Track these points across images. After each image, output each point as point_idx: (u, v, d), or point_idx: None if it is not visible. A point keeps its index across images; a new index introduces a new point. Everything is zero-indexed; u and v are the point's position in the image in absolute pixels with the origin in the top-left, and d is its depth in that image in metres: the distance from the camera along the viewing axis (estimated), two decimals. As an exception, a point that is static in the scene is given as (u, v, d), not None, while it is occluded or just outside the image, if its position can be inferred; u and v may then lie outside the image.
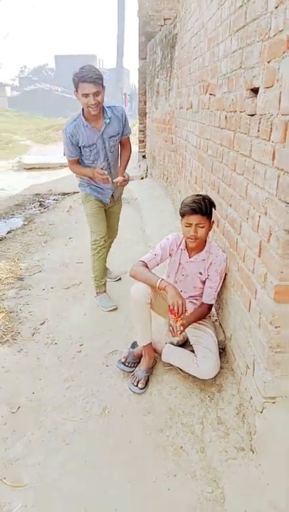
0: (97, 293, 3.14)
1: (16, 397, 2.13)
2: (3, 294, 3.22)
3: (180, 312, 1.96)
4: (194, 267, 2.21)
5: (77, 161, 2.85)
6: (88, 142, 2.70)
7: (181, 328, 2.01)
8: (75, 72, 2.49)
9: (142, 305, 2.11)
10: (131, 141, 3.03)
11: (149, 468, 1.71)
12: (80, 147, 2.73)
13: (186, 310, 2.01)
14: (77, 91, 2.50)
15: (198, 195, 2.09)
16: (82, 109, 2.61)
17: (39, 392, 2.17)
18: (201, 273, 2.22)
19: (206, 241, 2.17)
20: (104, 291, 3.15)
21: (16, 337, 2.65)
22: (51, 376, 2.29)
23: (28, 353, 2.50)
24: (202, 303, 2.27)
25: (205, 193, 2.80)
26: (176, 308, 1.95)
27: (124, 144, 2.96)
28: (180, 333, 2.03)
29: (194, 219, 2.03)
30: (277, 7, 1.40)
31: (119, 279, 3.52)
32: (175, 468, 1.71)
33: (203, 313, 2.26)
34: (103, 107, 2.67)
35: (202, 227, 2.05)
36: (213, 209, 2.10)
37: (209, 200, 2.08)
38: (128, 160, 3.03)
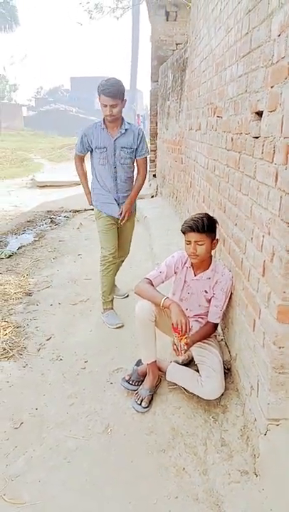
0: (104, 309, 3.16)
1: (19, 412, 2.13)
2: (12, 309, 3.26)
3: (184, 331, 1.96)
4: (200, 285, 2.22)
5: (83, 158, 3.13)
6: (100, 144, 2.92)
7: (185, 347, 2.01)
8: (102, 82, 2.74)
9: (147, 323, 2.12)
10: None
11: (151, 489, 1.68)
12: (92, 148, 2.97)
13: (190, 329, 2.01)
14: (99, 99, 2.77)
15: (199, 214, 2.13)
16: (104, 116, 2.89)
17: (42, 408, 2.17)
18: (206, 291, 2.22)
19: (211, 259, 2.19)
20: (112, 308, 3.17)
21: (21, 352, 2.67)
22: (55, 392, 2.29)
23: (33, 369, 2.51)
24: (207, 321, 2.26)
25: (212, 213, 2.83)
26: (179, 326, 1.95)
27: (139, 167, 3.11)
28: (184, 352, 2.03)
29: (193, 236, 2.06)
30: (279, 35, 1.45)
31: (127, 296, 3.54)
32: (177, 490, 1.68)
33: (209, 332, 2.25)
34: (123, 119, 2.92)
35: (201, 245, 2.07)
36: (215, 226, 2.13)
37: (209, 218, 2.10)
38: (139, 188, 3.16)
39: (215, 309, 2.22)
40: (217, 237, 2.17)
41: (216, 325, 2.28)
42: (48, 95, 43.44)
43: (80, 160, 3.16)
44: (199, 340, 2.21)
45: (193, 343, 2.16)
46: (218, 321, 2.25)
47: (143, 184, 3.18)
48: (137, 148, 2.99)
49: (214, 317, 2.24)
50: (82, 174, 3.20)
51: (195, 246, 2.08)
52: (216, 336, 2.37)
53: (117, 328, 3.01)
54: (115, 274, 3.29)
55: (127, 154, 2.96)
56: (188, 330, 1.97)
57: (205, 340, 2.24)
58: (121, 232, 3.22)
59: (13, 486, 1.71)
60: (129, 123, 2.95)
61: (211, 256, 2.20)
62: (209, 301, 2.25)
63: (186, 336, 1.98)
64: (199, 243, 2.07)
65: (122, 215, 3.07)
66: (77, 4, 10.66)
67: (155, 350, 2.21)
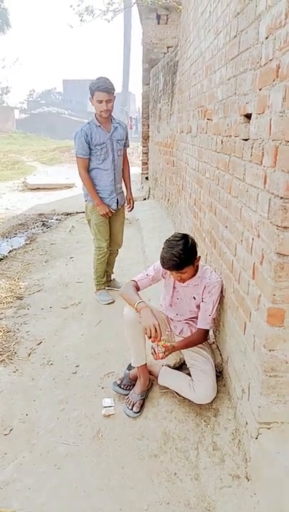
0: (97, 289, 3.50)
1: (9, 418, 2.10)
2: (2, 313, 3.22)
3: (153, 336, 1.94)
4: (188, 291, 2.20)
5: (88, 164, 3.17)
6: (100, 140, 3.10)
7: (163, 349, 2.00)
8: (93, 81, 2.94)
9: (134, 324, 2.11)
10: (135, 162, 3.47)
11: (142, 495, 1.67)
12: (90, 148, 3.10)
13: (169, 332, 2.00)
14: (92, 97, 2.95)
15: (174, 241, 1.99)
16: (95, 115, 3.10)
17: (33, 413, 2.14)
18: (194, 297, 2.19)
19: (198, 267, 2.14)
20: (104, 289, 3.52)
21: (12, 357, 2.63)
22: (45, 397, 2.26)
23: (24, 374, 2.47)
24: (197, 328, 2.20)
25: (204, 215, 2.83)
26: (147, 332, 1.94)
27: (124, 157, 3.40)
28: (162, 357, 2.02)
29: (174, 272, 2.04)
30: (267, 38, 1.45)
31: None
32: (168, 495, 1.66)
33: (198, 339, 2.18)
34: (111, 115, 3.14)
35: (184, 273, 2.04)
36: (195, 251, 2.03)
37: (185, 250, 1.97)
38: (130, 177, 3.55)
39: (204, 315, 2.15)
40: (199, 254, 2.11)
41: (206, 331, 2.20)
42: (41, 98, 43.38)
43: (86, 165, 3.17)
44: (187, 347, 2.17)
45: (177, 349, 2.13)
46: (207, 327, 2.17)
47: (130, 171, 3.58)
48: (125, 140, 3.30)
49: (203, 323, 2.16)
50: (89, 178, 3.21)
51: (178, 276, 2.07)
52: (207, 339, 2.36)
53: (108, 304, 3.34)
54: (113, 266, 3.69)
55: (121, 146, 3.25)
56: (159, 334, 1.95)
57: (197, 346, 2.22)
58: (114, 224, 3.46)
59: (2, 493, 1.69)
60: (114, 118, 3.20)
61: (200, 259, 2.16)
62: (199, 306, 2.21)
63: (161, 339, 1.97)
64: (182, 273, 2.04)
65: (131, 204, 3.52)
66: (68, 7, 10.59)
67: (144, 352, 2.19)
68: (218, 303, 2.18)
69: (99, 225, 3.29)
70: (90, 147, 3.09)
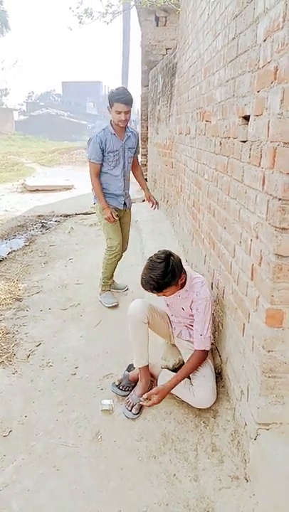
0: (102, 291, 3.47)
1: (8, 420, 2.10)
2: (1, 315, 3.22)
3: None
4: (176, 302, 2.17)
5: (100, 170, 3.23)
6: (113, 148, 3.19)
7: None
8: (113, 90, 3.05)
9: (139, 324, 2.10)
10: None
11: (141, 497, 1.66)
12: (104, 154, 3.18)
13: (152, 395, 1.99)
14: (111, 107, 3.05)
15: (154, 267, 1.91)
16: (111, 122, 3.17)
17: (32, 415, 2.14)
18: (183, 309, 2.17)
19: (186, 279, 2.08)
20: (109, 290, 3.50)
21: (11, 359, 2.63)
22: (44, 399, 2.26)
23: (23, 375, 2.47)
24: (194, 350, 2.08)
25: (202, 216, 2.83)
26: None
27: (136, 163, 3.52)
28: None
29: (155, 294, 2.01)
30: (265, 40, 1.46)
31: (127, 289, 3.69)
32: (167, 496, 1.66)
33: (197, 361, 2.05)
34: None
35: (166, 293, 2.01)
36: (175, 273, 1.93)
37: (164, 273, 1.89)
38: (144, 177, 3.68)
39: (196, 335, 2.05)
40: (183, 272, 2.03)
41: (204, 352, 2.06)
42: (40, 100, 43.40)
43: (97, 170, 3.22)
44: (188, 374, 2.06)
45: (183, 378, 2.04)
46: (202, 347, 2.03)
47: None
48: (136, 148, 3.39)
49: (197, 344, 2.05)
50: (99, 183, 3.26)
51: (161, 295, 2.05)
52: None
53: (112, 307, 3.32)
54: (115, 268, 3.58)
55: (132, 153, 3.35)
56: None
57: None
58: (122, 225, 3.47)
59: (1, 495, 1.68)
60: (128, 127, 3.28)
61: (185, 275, 2.08)
62: (192, 315, 2.15)
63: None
64: (165, 294, 2.02)
65: (153, 201, 3.60)
66: (67, 9, 10.64)
67: (147, 354, 2.19)
68: (211, 320, 2.07)
69: (109, 225, 3.32)
70: (103, 153, 3.17)
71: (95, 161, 3.18)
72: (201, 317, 2.04)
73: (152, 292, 1.98)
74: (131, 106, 3.08)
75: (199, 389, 2.04)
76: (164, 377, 2.21)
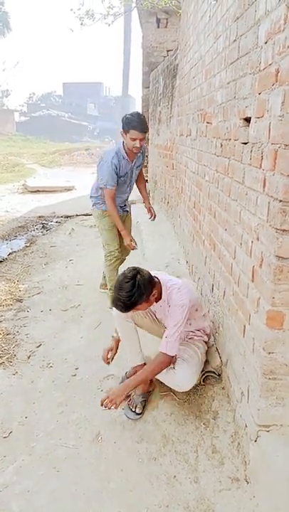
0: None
1: (8, 421, 2.10)
2: (1, 316, 3.22)
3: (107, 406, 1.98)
4: (159, 310, 2.17)
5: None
6: (124, 171, 3.18)
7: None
8: (129, 116, 2.98)
9: (124, 323, 2.14)
10: None
11: (141, 498, 1.66)
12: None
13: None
14: (125, 133, 2.99)
15: (121, 287, 1.88)
16: (123, 144, 3.09)
17: (32, 416, 2.14)
18: (162, 319, 2.17)
19: (161, 290, 2.05)
20: None
21: (11, 359, 2.63)
22: (45, 400, 2.26)
23: (23, 376, 2.47)
24: (159, 352, 2.03)
25: (203, 218, 2.83)
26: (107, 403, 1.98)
27: (141, 176, 3.52)
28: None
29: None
30: (266, 42, 1.46)
31: None
32: (168, 498, 1.66)
33: (157, 364, 2.01)
34: None
35: (138, 309, 1.97)
36: (142, 292, 1.88)
37: (130, 296, 1.85)
38: (146, 189, 3.68)
39: (163, 337, 2.01)
40: (156, 287, 1.99)
41: (167, 356, 1.98)
42: (41, 101, 43.46)
43: (113, 195, 3.16)
44: (148, 377, 2.07)
45: (143, 381, 2.07)
46: (164, 350, 1.97)
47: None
48: (142, 162, 3.39)
49: (162, 346, 1.99)
50: (116, 208, 3.21)
51: (135, 311, 2.03)
52: (206, 342, 2.33)
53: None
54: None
55: (138, 169, 3.37)
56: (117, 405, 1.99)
57: (189, 341, 2.21)
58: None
59: (1, 496, 1.68)
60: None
61: (160, 288, 2.04)
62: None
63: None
64: (138, 309, 1.99)
65: (153, 213, 3.66)
66: (68, 11, 10.70)
67: (141, 351, 2.20)
68: (182, 328, 2.00)
69: (108, 229, 3.30)
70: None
71: (111, 187, 3.13)
72: (172, 322, 1.99)
73: (122, 312, 1.96)
74: (146, 133, 3.04)
75: (179, 369, 2.05)
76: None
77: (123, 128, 3.00)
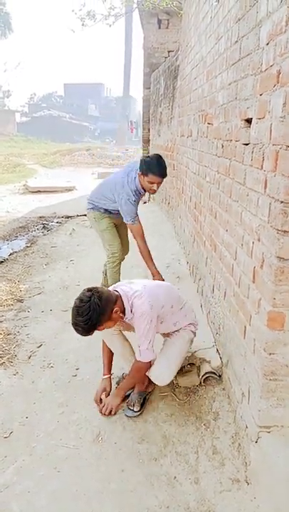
0: None
1: (9, 421, 2.10)
2: (2, 316, 3.22)
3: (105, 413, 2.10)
4: (128, 324, 2.14)
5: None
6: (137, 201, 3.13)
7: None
8: (149, 160, 2.92)
9: (110, 336, 2.16)
10: None
11: (142, 499, 1.66)
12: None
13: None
14: (144, 176, 2.91)
15: (77, 312, 1.84)
16: (140, 182, 3.00)
17: (33, 416, 2.14)
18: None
19: (123, 303, 2.01)
20: None
21: (12, 360, 2.63)
22: (45, 400, 2.26)
23: (24, 377, 2.47)
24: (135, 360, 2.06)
25: (204, 219, 2.83)
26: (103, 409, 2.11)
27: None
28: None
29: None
30: (268, 43, 1.47)
31: None
32: (168, 499, 1.66)
33: (135, 372, 2.06)
34: None
35: (101, 328, 1.93)
36: (99, 313, 1.84)
37: (88, 321, 1.82)
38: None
39: (137, 347, 2.02)
40: (116, 307, 1.94)
41: (143, 363, 2.01)
42: (42, 101, 43.54)
43: (143, 232, 3.10)
44: (131, 384, 2.14)
45: (128, 388, 2.16)
46: (139, 358, 2.00)
47: None
48: None
49: (136, 355, 2.03)
50: (148, 249, 3.13)
51: (99, 330, 1.97)
52: (194, 332, 2.28)
53: None
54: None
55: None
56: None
57: (176, 332, 2.21)
58: (121, 230, 3.39)
59: (1, 496, 1.68)
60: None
61: (121, 304, 2.00)
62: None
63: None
64: (102, 329, 1.95)
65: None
66: (70, 12, 10.76)
67: (132, 354, 2.20)
68: (153, 333, 2.00)
69: (108, 230, 3.26)
70: None
71: (137, 221, 3.09)
72: (139, 332, 1.99)
73: (84, 336, 1.93)
74: (165, 177, 2.97)
75: (157, 363, 2.07)
76: None
77: (142, 170, 2.92)
